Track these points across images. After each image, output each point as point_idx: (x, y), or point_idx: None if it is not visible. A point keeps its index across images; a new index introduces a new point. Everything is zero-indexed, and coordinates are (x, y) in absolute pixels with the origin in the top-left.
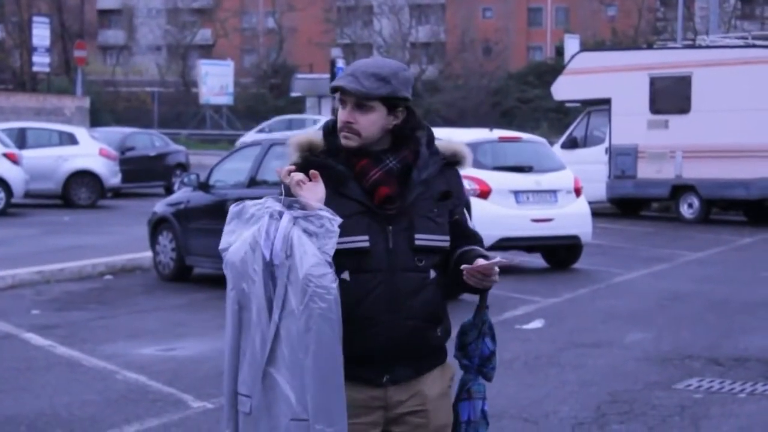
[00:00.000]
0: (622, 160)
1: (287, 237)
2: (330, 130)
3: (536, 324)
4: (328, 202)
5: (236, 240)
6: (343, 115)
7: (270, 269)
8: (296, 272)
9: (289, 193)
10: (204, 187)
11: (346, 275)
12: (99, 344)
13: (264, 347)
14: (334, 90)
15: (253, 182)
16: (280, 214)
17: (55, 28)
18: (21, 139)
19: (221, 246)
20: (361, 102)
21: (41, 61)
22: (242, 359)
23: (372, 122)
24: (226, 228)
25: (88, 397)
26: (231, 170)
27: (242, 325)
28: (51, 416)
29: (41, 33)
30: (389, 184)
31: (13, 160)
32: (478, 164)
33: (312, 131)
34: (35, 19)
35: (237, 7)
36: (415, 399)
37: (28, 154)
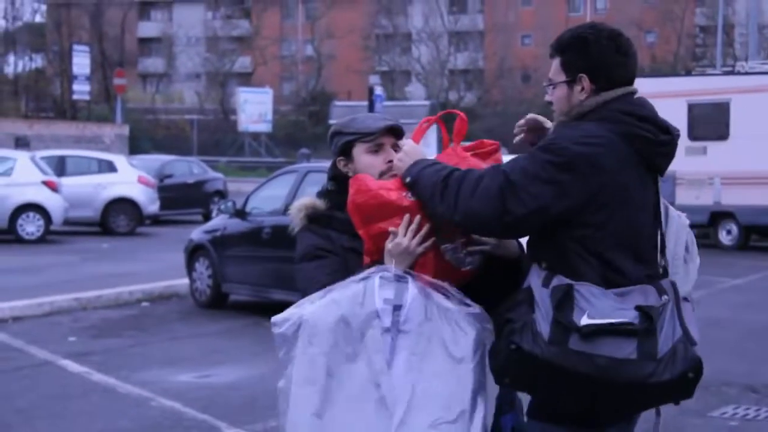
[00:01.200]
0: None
1: (426, 302)
2: (331, 189)
3: None
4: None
5: (311, 306)
6: (386, 156)
7: (388, 335)
8: (444, 337)
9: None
10: (241, 214)
11: None
12: (134, 371)
13: (394, 414)
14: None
15: (289, 209)
16: (399, 278)
17: (96, 56)
18: (60, 166)
19: (280, 316)
20: (397, 143)
21: (81, 90)
22: (326, 427)
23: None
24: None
25: (123, 424)
26: (267, 197)
27: (330, 392)
28: None
29: (82, 61)
30: None
31: (53, 187)
32: None
33: (308, 199)
34: (76, 47)
35: (276, 35)
36: None
37: (67, 182)
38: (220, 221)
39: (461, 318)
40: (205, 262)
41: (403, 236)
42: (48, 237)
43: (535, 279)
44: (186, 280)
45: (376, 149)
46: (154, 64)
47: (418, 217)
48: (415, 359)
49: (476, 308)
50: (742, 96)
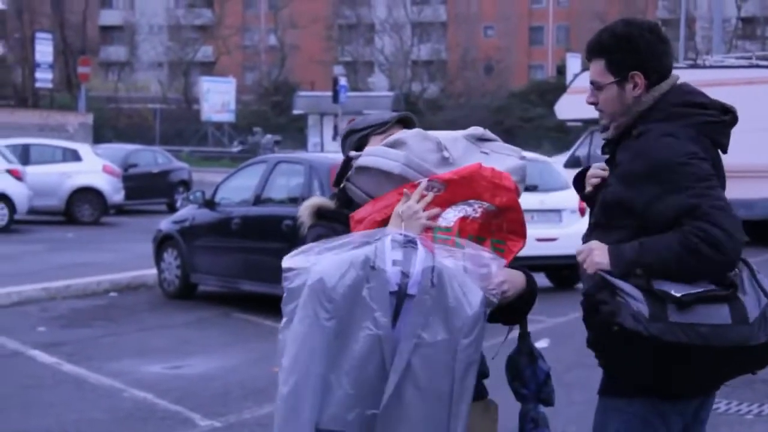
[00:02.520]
0: None
1: (436, 267)
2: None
3: (542, 344)
4: None
5: (321, 262)
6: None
7: (396, 298)
8: (448, 304)
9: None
10: (210, 204)
11: None
12: (106, 362)
13: (388, 380)
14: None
15: (258, 200)
16: (408, 241)
17: (58, 44)
18: (25, 155)
19: (288, 263)
20: None
21: (44, 78)
22: (331, 392)
23: None
24: (301, 248)
25: (96, 415)
26: (237, 188)
27: (336, 355)
28: None
29: (44, 49)
30: None
31: (17, 176)
32: None
33: (317, 198)
34: (38, 35)
35: (239, 25)
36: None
37: (31, 171)
38: (188, 211)
39: (465, 291)
40: (174, 253)
41: (415, 201)
42: (12, 226)
43: None
44: (154, 271)
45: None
46: (116, 52)
47: (431, 194)
48: (416, 325)
49: (476, 294)
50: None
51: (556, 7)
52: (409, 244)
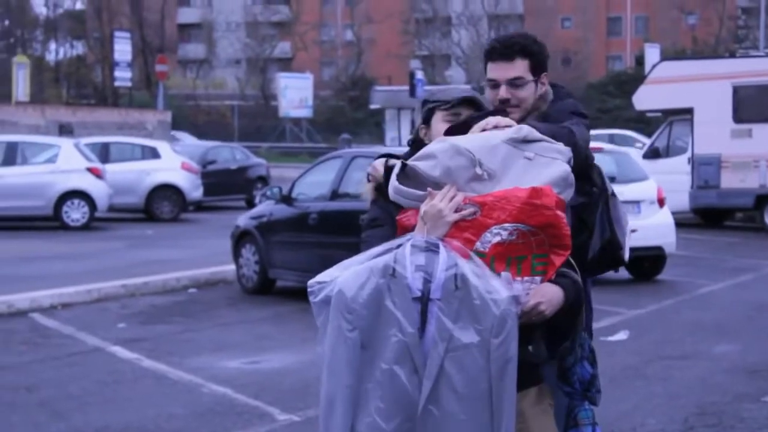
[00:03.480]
0: (705, 170)
1: (457, 270)
2: (408, 155)
3: (621, 336)
4: None
5: (343, 274)
6: None
7: (420, 303)
8: (475, 306)
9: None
10: (287, 200)
11: None
12: (185, 357)
13: (422, 385)
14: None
15: (335, 195)
16: (433, 246)
17: (136, 42)
18: (104, 153)
19: (315, 278)
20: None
21: (123, 76)
22: (366, 402)
23: None
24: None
25: (175, 410)
26: (313, 183)
27: (364, 365)
28: (138, 429)
29: (123, 48)
30: None
31: (97, 174)
32: None
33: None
34: (117, 34)
35: (316, 20)
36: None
37: (111, 169)
38: (266, 207)
39: (489, 290)
40: (252, 248)
41: (440, 200)
42: (93, 224)
43: None
44: (233, 267)
45: (452, 118)
46: (194, 50)
47: (455, 189)
48: (445, 329)
49: (501, 293)
50: None
51: None
52: (431, 247)
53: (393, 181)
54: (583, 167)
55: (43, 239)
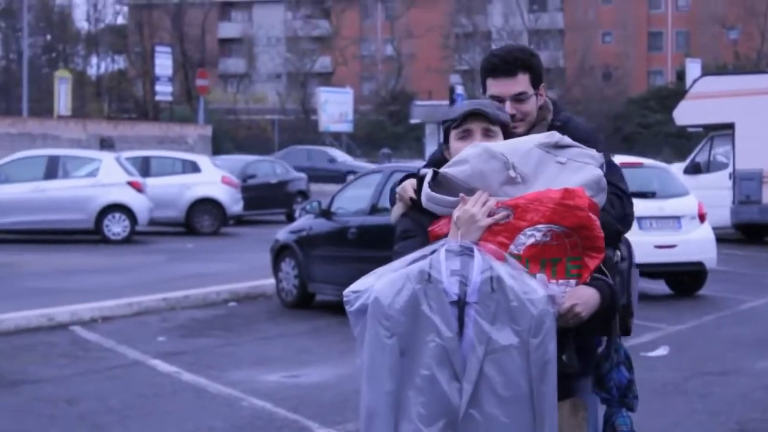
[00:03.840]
0: (747, 185)
1: (492, 273)
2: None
3: (661, 351)
4: None
5: (378, 282)
6: (472, 142)
7: (457, 307)
8: (512, 307)
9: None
10: (326, 214)
11: None
12: (224, 371)
13: (462, 389)
14: (465, 117)
15: (374, 209)
16: (465, 249)
17: (177, 57)
18: (145, 167)
19: (350, 287)
20: (488, 128)
21: (164, 90)
22: (408, 408)
23: None
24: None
25: (215, 424)
26: (353, 197)
27: (404, 372)
28: None
29: (164, 62)
30: None
31: (138, 188)
32: None
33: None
34: (158, 48)
35: (356, 35)
36: None
37: (152, 182)
38: (305, 221)
39: (526, 291)
40: (291, 262)
41: (472, 206)
42: (133, 237)
43: None
44: (272, 280)
45: (463, 135)
46: (234, 64)
47: (487, 194)
48: (483, 332)
49: (538, 293)
50: None
51: (675, 12)
52: (465, 251)
53: (425, 188)
54: (614, 239)
55: (84, 253)
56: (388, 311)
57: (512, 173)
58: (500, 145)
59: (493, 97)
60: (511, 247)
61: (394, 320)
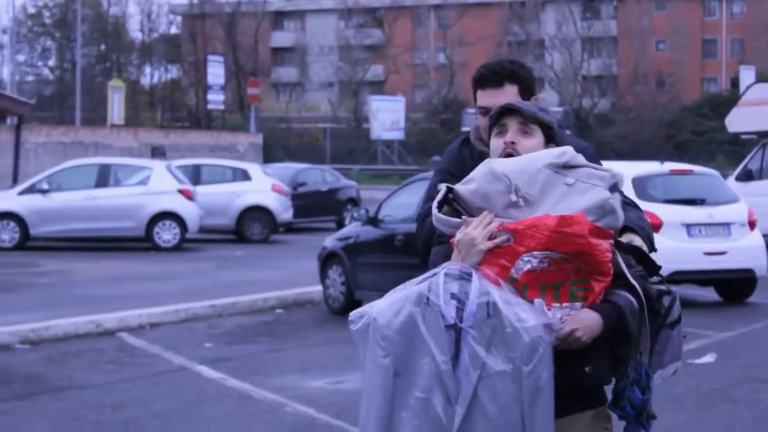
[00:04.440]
0: None
1: (489, 298)
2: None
3: (708, 358)
4: None
5: (379, 303)
6: (507, 138)
7: (453, 331)
8: (506, 333)
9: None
10: (373, 221)
11: None
12: (269, 377)
13: (455, 414)
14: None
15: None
16: (464, 274)
17: (230, 66)
18: (196, 175)
19: (358, 310)
20: (524, 124)
21: (216, 99)
22: (398, 429)
23: (532, 148)
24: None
25: (258, 430)
26: (400, 205)
27: (398, 393)
28: None
29: (216, 71)
30: None
31: (188, 196)
32: (649, 197)
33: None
34: (210, 58)
35: (408, 44)
36: None
37: (202, 190)
38: (352, 229)
39: (520, 318)
40: (338, 269)
41: (473, 228)
42: (183, 245)
43: None
44: (319, 287)
45: (499, 131)
46: (287, 73)
47: (492, 216)
48: (478, 357)
49: (530, 321)
50: None
51: (729, 20)
52: (464, 275)
53: (434, 208)
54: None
55: (135, 260)
56: (384, 331)
57: (513, 197)
58: (510, 163)
59: (482, 108)
60: (512, 270)
61: (389, 340)
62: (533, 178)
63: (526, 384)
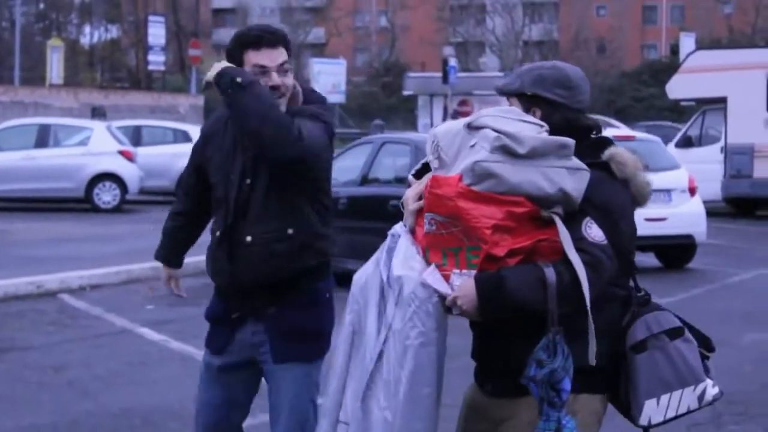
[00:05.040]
0: (738, 159)
1: (409, 256)
2: None
3: None
4: None
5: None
6: None
7: (382, 289)
8: (404, 291)
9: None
10: None
11: None
12: None
13: (366, 371)
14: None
15: (365, 180)
16: (397, 235)
17: (171, 27)
18: (136, 136)
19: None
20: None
21: (157, 60)
22: (348, 385)
23: None
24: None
25: None
26: (343, 168)
27: (353, 349)
28: (165, 409)
29: (157, 32)
30: None
31: (128, 157)
32: None
33: None
34: (151, 18)
35: (350, 6)
36: (512, 421)
37: (143, 152)
38: None
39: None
40: None
41: (411, 190)
42: (124, 206)
43: None
44: None
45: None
46: (228, 34)
47: (423, 186)
48: (386, 315)
49: (411, 279)
50: None
51: None
52: (397, 236)
53: (409, 176)
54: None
55: (75, 221)
56: (353, 288)
57: (430, 157)
58: (449, 125)
59: (257, 67)
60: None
61: (354, 297)
62: (453, 140)
63: (395, 341)
